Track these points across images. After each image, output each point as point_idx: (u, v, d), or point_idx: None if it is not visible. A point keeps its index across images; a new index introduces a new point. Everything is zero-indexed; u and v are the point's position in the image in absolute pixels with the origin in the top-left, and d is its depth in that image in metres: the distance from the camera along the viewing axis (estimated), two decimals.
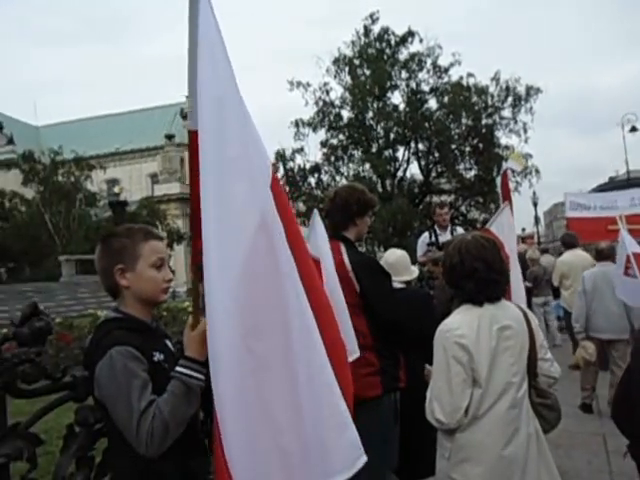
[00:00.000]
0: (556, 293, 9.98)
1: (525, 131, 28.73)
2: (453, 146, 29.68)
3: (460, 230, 6.13)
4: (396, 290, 2.87)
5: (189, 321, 1.53)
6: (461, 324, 2.00)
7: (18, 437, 1.42)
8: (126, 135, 57.58)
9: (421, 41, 29.63)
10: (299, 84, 29.36)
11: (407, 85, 30.16)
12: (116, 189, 25.97)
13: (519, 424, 1.96)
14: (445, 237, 5.73)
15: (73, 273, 21.72)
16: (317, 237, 2.39)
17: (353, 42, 30.20)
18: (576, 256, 6.95)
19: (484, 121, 29.06)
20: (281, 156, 29.62)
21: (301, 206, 30.89)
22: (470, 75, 29.10)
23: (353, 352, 2.34)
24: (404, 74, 30.09)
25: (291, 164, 29.97)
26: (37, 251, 31.53)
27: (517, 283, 3.27)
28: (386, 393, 2.55)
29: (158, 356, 1.53)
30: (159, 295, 1.62)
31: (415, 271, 3.33)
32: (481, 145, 29.29)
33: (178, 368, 1.43)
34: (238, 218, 1.28)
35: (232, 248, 1.26)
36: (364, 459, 1.42)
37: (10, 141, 54.98)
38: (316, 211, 2.53)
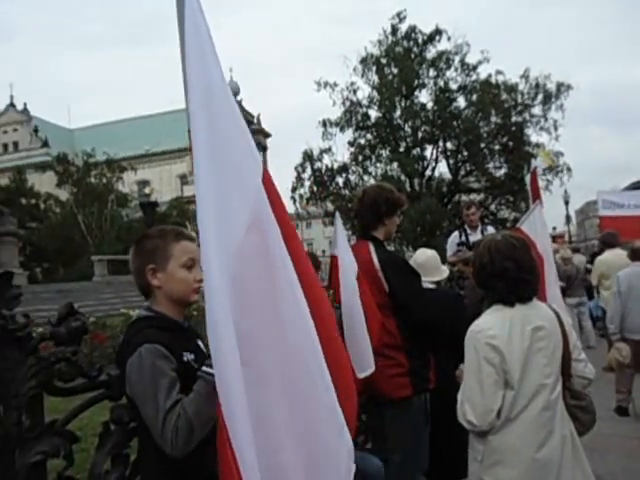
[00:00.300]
0: (590, 293, 9.75)
1: (556, 128, 28.20)
2: (482, 144, 29.28)
3: (491, 229, 6.03)
4: (426, 290, 2.84)
5: None
6: (492, 325, 1.97)
7: (55, 434, 1.45)
8: (156, 137, 58.65)
9: (449, 39, 29.35)
10: (326, 84, 29.43)
11: (435, 83, 29.89)
12: (147, 190, 26.44)
13: (553, 426, 1.92)
14: (475, 237, 5.65)
15: (105, 273, 22.21)
16: (339, 244, 2.42)
17: (380, 41, 30.09)
18: (616, 255, 6.76)
19: (514, 119, 28.57)
20: (309, 156, 29.72)
21: (329, 206, 30.94)
22: (499, 72, 28.69)
23: (368, 367, 2.34)
24: (432, 72, 29.82)
25: (319, 164, 30.04)
26: (71, 251, 32.39)
27: (553, 283, 3.19)
28: (416, 394, 2.54)
29: (188, 356, 1.54)
30: (190, 295, 1.64)
31: (445, 271, 3.29)
32: (511, 143, 28.81)
33: (204, 367, 1.39)
34: (230, 216, 1.19)
35: (225, 249, 1.15)
36: (353, 467, 1.35)
37: (45, 144, 56.74)
38: (337, 215, 2.56)
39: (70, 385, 1.52)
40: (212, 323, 1.07)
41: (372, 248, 2.62)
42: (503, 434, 1.91)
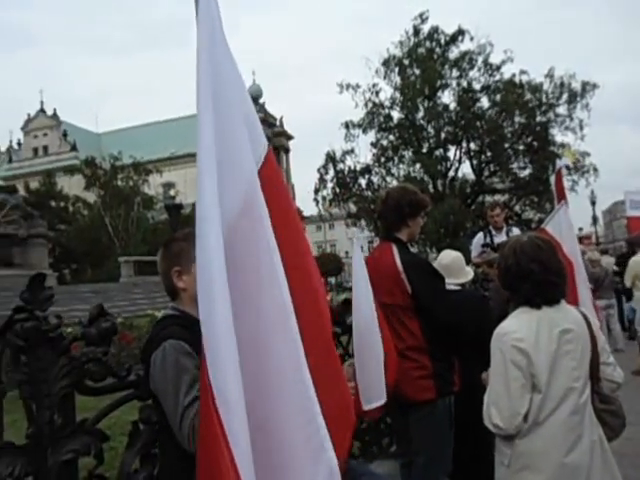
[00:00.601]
0: (619, 295, 9.52)
1: (581, 128, 27.67)
2: (506, 145, 28.89)
3: (516, 231, 5.94)
4: (451, 292, 2.82)
5: None
6: (519, 327, 1.95)
7: (86, 433, 1.49)
8: (181, 140, 59.45)
9: (472, 39, 29.07)
10: (348, 86, 29.44)
11: (458, 84, 29.64)
12: (172, 192, 26.81)
13: (582, 431, 1.88)
14: (500, 238, 5.57)
15: (132, 274, 22.60)
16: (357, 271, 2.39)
17: (402, 42, 29.96)
18: None
19: (538, 119, 28.13)
20: (331, 158, 29.77)
21: (352, 207, 30.91)
22: (523, 72, 28.29)
23: (377, 399, 2.30)
24: (455, 73, 29.59)
25: (341, 166, 30.04)
26: (98, 253, 33.04)
27: (583, 285, 3.13)
28: (440, 397, 2.52)
29: None
30: None
31: (470, 273, 3.26)
32: (535, 143, 28.37)
33: None
34: (223, 201, 1.14)
35: (217, 237, 1.09)
36: None
37: (74, 148, 58.08)
38: (355, 239, 2.55)
39: (100, 385, 1.56)
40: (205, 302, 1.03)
41: (395, 250, 2.61)
42: (531, 438, 1.89)
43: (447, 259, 3.20)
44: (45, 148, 61.05)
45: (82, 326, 1.50)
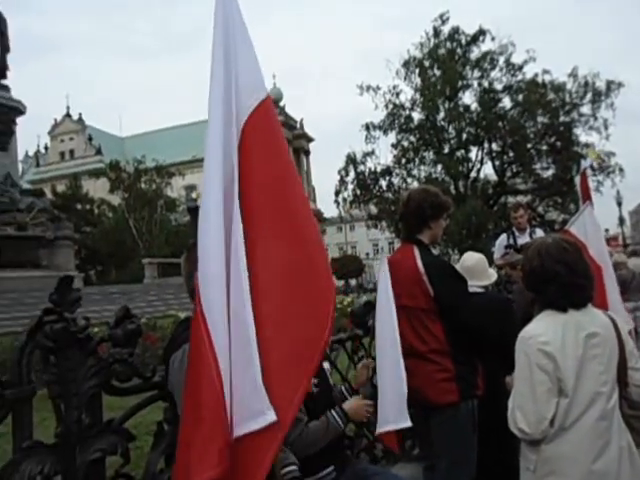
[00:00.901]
0: None
1: (606, 127, 27.15)
2: (529, 145, 28.50)
3: (540, 232, 5.85)
4: (474, 294, 2.79)
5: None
6: (544, 330, 1.92)
7: (113, 432, 1.52)
8: (202, 143, 59.82)
9: (493, 39, 28.76)
10: (369, 88, 29.40)
11: (479, 84, 29.38)
12: (194, 195, 27.14)
13: (610, 437, 1.84)
14: (524, 239, 5.50)
15: (155, 275, 22.93)
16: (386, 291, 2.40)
17: (422, 44, 29.81)
18: None
19: (562, 118, 27.69)
20: (352, 160, 29.75)
21: (373, 209, 30.85)
22: (546, 72, 27.88)
23: (403, 420, 2.29)
24: (476, 73, 29.34)
25: (362, 167, 29.98)
26: (122, 254, 33.62)
27: (612, 288, 3.07)
28: (463, 400, 2.49)
29: None
30: None
31: (494, 275, 3.22)
32: (559, 143, 27.92)
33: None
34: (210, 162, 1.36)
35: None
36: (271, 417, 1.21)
37: (98, 152, 59.23)
38: (385, 260, 2.55)
39: (126, 385, 1.59)
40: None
41: (417, 252, 2.59)
42: (557, 443, 1.85)
43: (470, 261, 3.17)
44: (71, 152, 62.39)
45: (109, 328, 1.53)
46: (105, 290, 19.72)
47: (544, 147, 28.81)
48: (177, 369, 1.49)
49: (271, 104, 1.47)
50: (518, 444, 2.05)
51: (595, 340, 1.90)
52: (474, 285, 2.88)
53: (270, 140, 1.42)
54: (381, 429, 2.32)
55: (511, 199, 28.05)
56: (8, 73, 18.74)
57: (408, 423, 2.28)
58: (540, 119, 28.06)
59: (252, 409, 1.16)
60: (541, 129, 28.21)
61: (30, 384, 1.34)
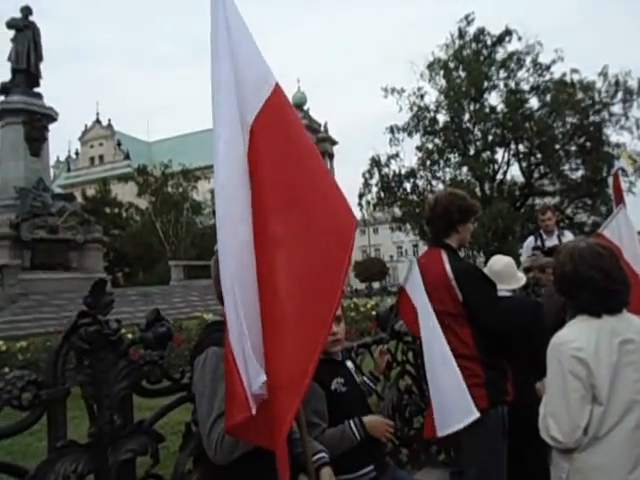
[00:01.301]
0: None
1: (638, 127, 26.38)
2: (557, 146, 27.92)
3: (568, 234, 5.72)
4: (503, 299, 2.74)
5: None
6: (578, 336, 1.87)
7: (143, 433, 1.55)
8: None
9: (519, 39, 28.32)
10: (393, 90, 29.27)
11: (505, 85, 28.94)
12: None
13: None
14: (552, 242, 5.39)
15: (181, 277, 23.23)
16: (414, 287, 2.41)
17: (447, 45, 29.55)
18: None
19: (591, 118, 27.04)
20: (376, 162, 29.64)
21: (396, 211, 30.68)
22: (574, 71, 27.28)
23: (471, 413, 2.26)
24: (502, 74, 28.92)
25: (386, 170, 29.85)
26: (149, 256, 34.19)
27: None
28: (493, 406, 2.45)
29: None
30: None
31: (522, 279, 3.16)
32: (588, 144, 27.28)
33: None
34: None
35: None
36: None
37: (127, 157, 60.49)
38: (414, 260, 2.54)
39: (156, 387, 1.62)
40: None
41: (445, 256, 2.57)
42: (591, 453, 1.80)
43: (498, 265, 3.11)
44: (101, 157, 63.88)
45: (139, 330, 1.56)
46: (132, 291, 20.07)
47: (573, 148, 28.20)
48: (199, 371, 1.49)
49: (281, 93, 1.44)
50: (549, 452, 2.01)
51: (630, 347, 1.85)
52: (502, 289, 2.83)
53: (282, 135, 1.40)
54: (448, 430, 2.30)
55: (538, 201, 27.56)
56: (41, 81, 19.32)
57: (476, 414, 2.24)
58: (569, 119, 27.47)
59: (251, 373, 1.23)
60: (570, 129, 27.62)
61: (64, 385, 1.37)
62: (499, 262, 3.14)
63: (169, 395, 1.70)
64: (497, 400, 2.46)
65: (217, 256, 1.75)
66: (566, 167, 28.60)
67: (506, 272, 3.05)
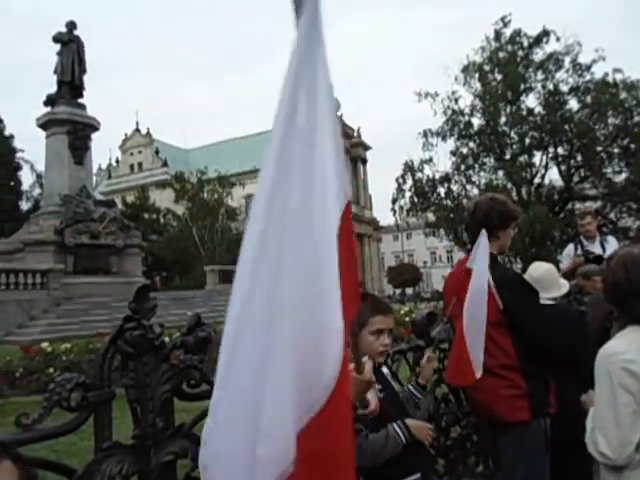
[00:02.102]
0: None
1: None
2: (599, 148, 27.04)
3: (612, 240, 5.52)
4: (545, 307, 2.67)
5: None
6: (628, 347, 1.79)
7: (184, 436, 1.57)
8: (262, 153, 61.13)
9: (558, 40, 27.60)
10: (427, 94, 29.01)
11: (543, 87, 28.26)
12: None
13: None
14: (594, 248, 5.21)
15: (217, 282, 23.58)
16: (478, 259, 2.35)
17: (482, 48, 29.12)
18: None
19: (636, 119, 26.07)
20: (409, 167, 29.42)
21: (430, 216, 30.35)
22: (617, 70, 26.37)
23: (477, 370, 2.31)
24: (540, 75, 28.25)
25: (420, 175, 29.59)
26: (185, 261, 34.85)
27: None
28: (535, 418, 2.38)
29: None
30: None
31: (565, 286, 3.06)
32: (633, 145, 26.29)
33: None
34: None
35: None
36: None
37: (165, 164, 62.04)
38: (484, 232, 2.37)
39: (196, 391, 1.65)
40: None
41: None
42: None
43: (538, 272, 3.03)
44: (140, 165, 65.74)
45: (181, 334, 1.59)
46: (169, 295, 20.48)
47: (616, 150, 27.27)
48: None
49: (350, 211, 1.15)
50: (595, 467, 1.94)
51: None
52: (543, 297, 2.76)
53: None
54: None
55: (579, 205, 26.73)
56: (84, 92, 20.04)
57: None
58: (611, 120, 26.58)
59: None
60: (613, 131, 26.72)
61: (110, 387, 1.42)
62: (539, 269, 3.06)
63: (208, 399, 1.73)
64: (539, 412, 2.39)
65: None
66: (609, 170, 27.69)
67: (547, 279, 2.97)
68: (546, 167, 29.04)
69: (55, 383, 1.32)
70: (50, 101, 19.31)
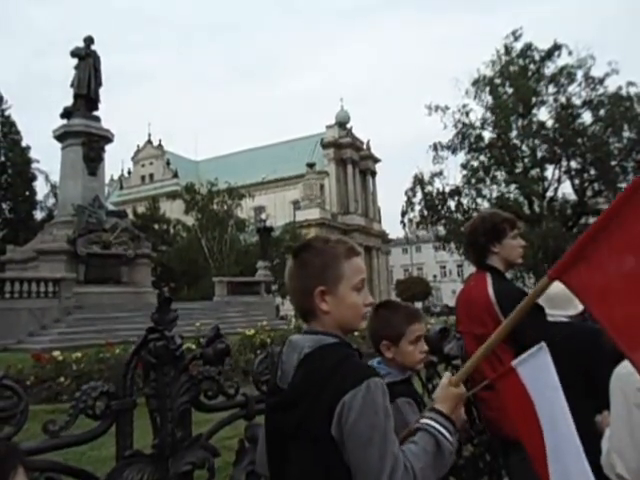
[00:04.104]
0: None
1: None
2: (613, 162, 26.92)
3: None
4: (556, 324, 2.66)
5: (450, 376, 1.42)
6: None
7: (201, 447, 1.60)
8: (271, 165, 61.99)
9: (570, 53, 27.70)
10: (437, 108, 29.14)
11: (555, 100, 28.28)
12: (263, 216, 27.88)
13: None
14: None
15: (225, 293, 23.63)
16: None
17: (493, 62, 29.25)
18: None
19: None
20: (419, 180, 29.46)
21: (440, 230, 30.30)
22: (631, 84, 26.39)
23: None
24: (551, 89, 28.33)
25: (429, 188, 29.60)
26: (194, 272, 34.97)
27: None
28: None
29: None
30: (359, 321, 1.40)
31: (580, 304, 3.04)
32: None
33: (429, 421, 1.26)
34: None
35: None
36: None
37: (175, 175, 62.65)
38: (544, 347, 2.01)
39: (213, 402, 1.67)
40: None
41: (489, 279, 2.54)
42: None
43: (554, 289, 3.00)
44: (151, 176, 66.46)
45: (200, 346, 1.62)
46: (177, 306, 20.39)
47: (631, 164, 27.17)
48: (362, 408, 1.16)
49: None
50: None
51: None
52: (558, 315, 2.74)
53: None
54: None
55: (593, 220, 26.53)
56: (99, 105, 20.39)
57: None
58: (626, 134, 26.54)
59: None
60: (627, 144, 26.65)
61: (132, 396, 1.45)
62: (555, 286, 3.04)
63: (225, 410, 1.75)
64: None
65: (301, 263, 1.37)
66: (623, 184, 27.55)
67: (562, 296, 2.94)
68: (559, 181, 28.98)
69: (81, 391, 1.36)
70: (66, 113, 19.69)
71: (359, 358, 1.31)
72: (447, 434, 1.26)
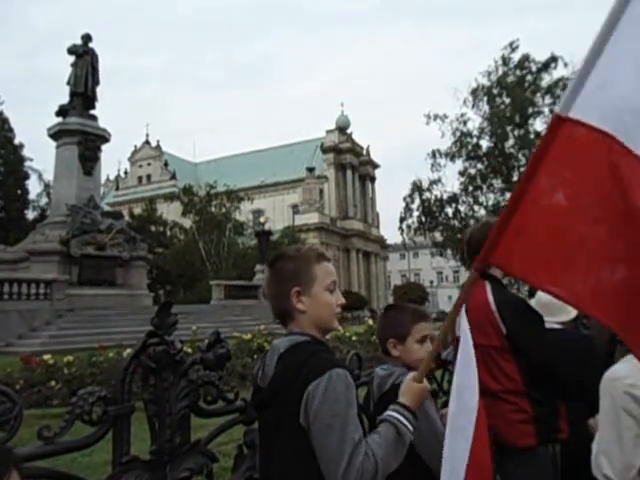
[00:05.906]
0: None
1: None
2: None
3: None
4: (552, 331, 2.68)
5: (414, 374, 1.51)
6: (631, 372, 1.80)
7: (199, 453, 1.59)
8: (271, 169, 62.00)
9: (566, 65, 27.96)
10: (436, 116, 29.36)
11: (551, 111, 28.48)
12: (262, 219, 27.81)
13: None
14: None
15: (222, 297, 23.54)
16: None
17: (490, 72, 29.55)
18: None
19: None
20: (418, 187, 29.61)
21: (437, 236, 30.44)
22: None
23: None
24: (548, 100, 28.54)
25: (427, 195, 29.76)
26: (191, 275, 34.83)
27: None
28: (541, 444, 2.37)
29: None
30: (333, 321, 1.50)
31: (573, 310, 3.06)
32: None
33: (391, 412, 1.36)
34: None
35: None
36: None
37: (173, 177, 62.47)
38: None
39: (212, 407, 1.66)
40: None
41: (488, 288, 2.54)
42: None
43: (547, 296, 3.02)
44: (148, 177, 66.25)
45: (200, 351, 1.61)
46: (173, 310, 20.40)
47: None
48: (323, 397, 1.25)
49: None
50: None
51: None
52: (551, 321, 2.76)
53: None
54: None
55: None
56: (96, 104, 20.30)
57: None
58: None
59: None
60: None
61: (130, 402, 1.44)
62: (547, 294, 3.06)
63: (224, 415, 1.74)
64: (547, 437, 2.38)
65: (276, 269, 1.50)
66: None
67: (556, 303, 2.97)
68: None
69: (77, 396, 1.34)
70: (62, 111, 19.54)
71: (330, 354, 1.41)
72: (407, 423, 1.37)
